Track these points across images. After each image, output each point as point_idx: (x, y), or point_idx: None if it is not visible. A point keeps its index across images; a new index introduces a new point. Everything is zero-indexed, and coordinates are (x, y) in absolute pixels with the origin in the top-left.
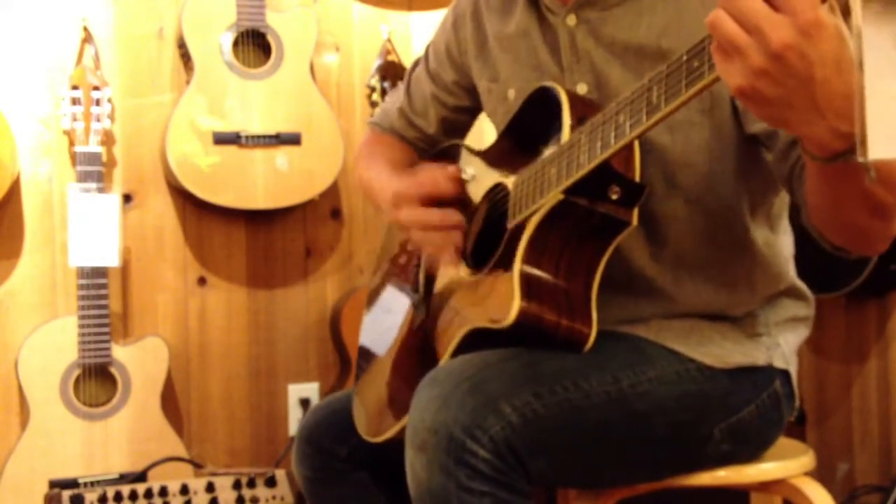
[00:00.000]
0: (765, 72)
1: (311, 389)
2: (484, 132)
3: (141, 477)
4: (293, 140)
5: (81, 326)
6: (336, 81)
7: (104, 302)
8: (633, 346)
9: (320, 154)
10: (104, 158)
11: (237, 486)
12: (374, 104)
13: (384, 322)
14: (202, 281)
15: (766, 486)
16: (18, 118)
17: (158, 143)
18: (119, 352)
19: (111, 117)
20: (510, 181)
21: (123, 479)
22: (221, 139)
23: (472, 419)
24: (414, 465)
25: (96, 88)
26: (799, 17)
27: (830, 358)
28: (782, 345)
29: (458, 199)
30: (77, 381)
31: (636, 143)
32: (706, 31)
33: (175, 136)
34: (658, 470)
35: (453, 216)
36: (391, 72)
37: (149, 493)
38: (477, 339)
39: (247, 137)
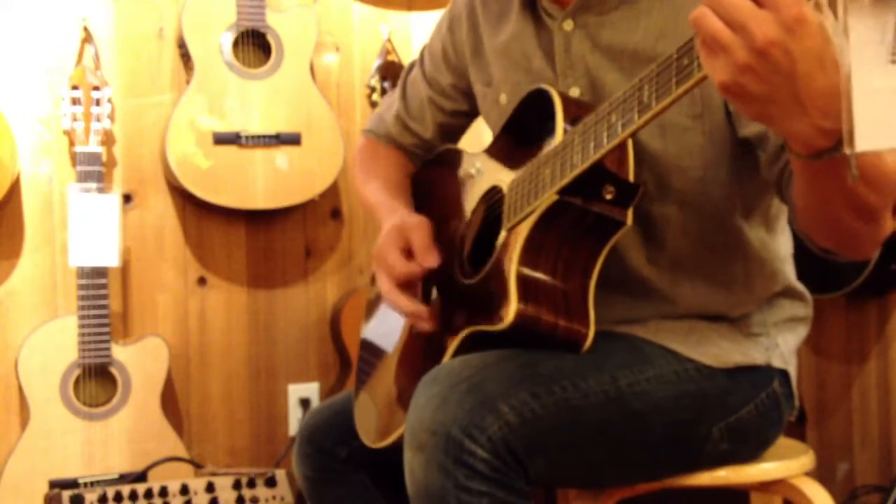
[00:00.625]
0: (749, 68)
1: (311, 389)
2: (482, 134)
3: (141, 477)
4: (293, 140)
5: (81, 326)
6: (336, 81)
7: (104, 302)
8: (632, 346)
9: (320, 154)
10: (104, 158)
11: (237, 486)
12: (374, 104)
13: (384, 328)
14: (202, 281)
15: (766, 486)
16: (18, 118)
17: (158, 143)
18: (119, 352)
19: (111, 117)
20: (505, 184)
21: (123, 479)
22: (221, 139)
23: (471, 419)
24: (412, 465)
25: (96, 88)
26: (783, 12)
27: (830, 358)
28: (781, 345)
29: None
30: (77, 381)
31: (629, 143)
32: None
33: (175, 136)
34: (657, 469)
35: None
36: (391, 72)
37: (149, 494)
38: (476, 342)
39: (247, 137)
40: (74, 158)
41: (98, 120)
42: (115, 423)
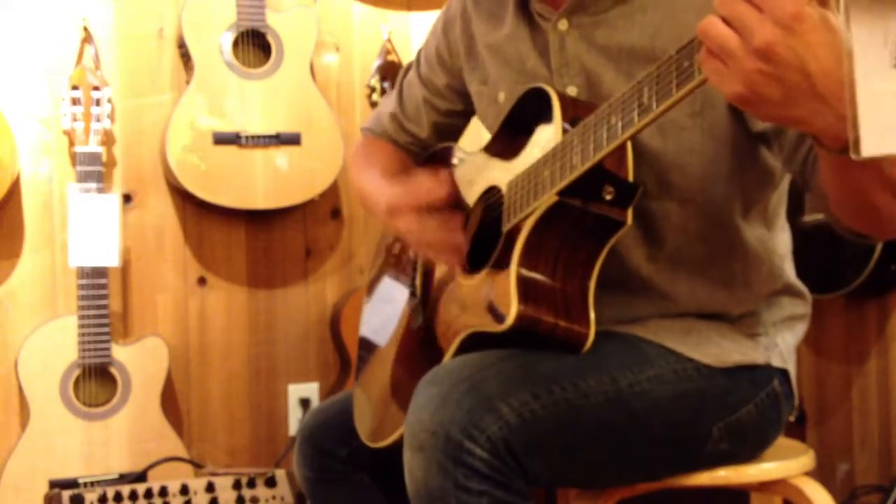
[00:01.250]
0: (758, 71)
1: (311, 389)
2: (481, 133)
3: (141, 477)
4: (293, 140)
5: (81, 326)
6: (336, 81)
7: (104, 302)
8: (631, 346)
9: (320, 154)
10: (104, 158)
11: (237, 486)
12: (374, 104)
13: (383, 313)
14: (202, 281)
15: (766, 486)
16: (18, 118)
17: (158, 143)
18: (119, 352)
19: (111, 117)
20: (504, 184)
21: (123, 479)
22: (221, 139)
23: (470, 419)
24: (412, 465)
25: (96, 88)
26: (777, 11)
27: (830, 358)
28: (780, 344)
29: (453, 203)
30: (77, 381)
31: (629, 144)
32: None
33: (175, 136)
34: (657, 469)
35: (450, 220)
36: (391, 72)
37: (149, 493)
38: (476, 343)
39: (247, 137)
40: (74, 158)
41: (98, 120)
42: (115, 423)
